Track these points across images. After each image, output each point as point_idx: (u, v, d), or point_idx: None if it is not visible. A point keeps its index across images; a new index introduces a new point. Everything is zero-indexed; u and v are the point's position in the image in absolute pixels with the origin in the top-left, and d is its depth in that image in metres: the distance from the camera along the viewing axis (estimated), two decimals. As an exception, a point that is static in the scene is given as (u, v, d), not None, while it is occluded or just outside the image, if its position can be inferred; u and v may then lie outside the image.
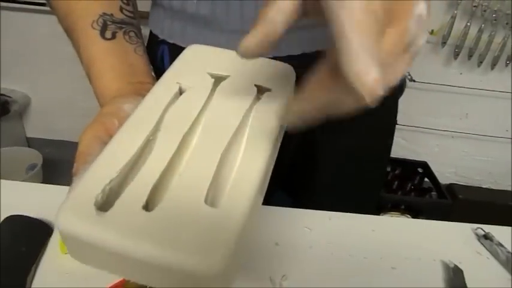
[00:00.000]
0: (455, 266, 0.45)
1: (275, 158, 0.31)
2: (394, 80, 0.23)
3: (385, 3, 0.20)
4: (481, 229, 0.52)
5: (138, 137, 0.27)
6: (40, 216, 0.45)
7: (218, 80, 0.33)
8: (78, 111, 1.61)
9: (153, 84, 0.37)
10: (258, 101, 0.32)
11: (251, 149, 0.28)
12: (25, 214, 0.43)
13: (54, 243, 0.42)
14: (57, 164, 1.56)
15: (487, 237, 0.50)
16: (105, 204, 0.24)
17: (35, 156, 1.59)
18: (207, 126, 0.29)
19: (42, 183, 1.55)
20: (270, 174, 0.29)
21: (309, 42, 0.48)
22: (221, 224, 0.23)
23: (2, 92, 1.64)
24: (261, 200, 0.29)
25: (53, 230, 0.44)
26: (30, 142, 1.82)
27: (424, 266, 0.46)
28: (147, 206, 0.24)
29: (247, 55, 0.25)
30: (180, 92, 0.32)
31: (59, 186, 0.50)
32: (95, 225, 0.22)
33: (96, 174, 0.25)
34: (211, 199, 0.25)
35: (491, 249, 0.49)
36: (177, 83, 0.32)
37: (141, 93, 0.34)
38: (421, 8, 0.22)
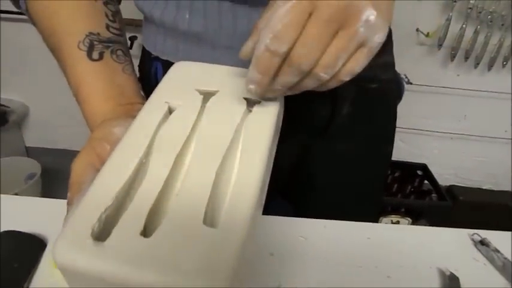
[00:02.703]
0: (451, 273, 0.45)
1: (271, 169, 0.31)
2: (355, 68, 0.31)
3: (337, 11, 0.27)
4: (478, 235, 0.51)
5: (131, 161, 0.27)
6: (33, 230, 0.44)
7: (207, 96, 0.33)
8: (76, 120, 1.61)
9: (142, 104, 0.37)
10: (248, 114, 0.32)
11: (246, 163, 0.28)
12: (18, 229, 0.43)
13: (47, 258, 0.42)
14: (56, 173, 1.55)
15: (483, 243, 0.50)
16: (102, 233, 0.24)
17: (33, 166, 1.58)
18: (200, 143, 0.29)
19: (41, 192, 1.56)
20: (267, 185, 0.29)
21: None
22: (221, 244, 0.23)
23: (0, 102, 1.64)
24: (260, 212, 0.29)
25: (46, 245, 0.44)
26: (29, 151, 1.82)
27: (420, 274, 0.46)
28: (145, 231, 0.24)
29: (247, 56, 0.32)
30: (170, 111, 0.32)
31: (52, 199, 0.50)
32: (92, 256, 0.22)
33: (90, 203, 0.24)
34: (209, 218, 0.25)
35: (488, 255, 0.49)
36: (166, 102, 0.31)
37: (131, 114, 0.34)
38: (367, 14, 0.28)
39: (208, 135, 0.29)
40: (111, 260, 0.22)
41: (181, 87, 0.33)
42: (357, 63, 0.31)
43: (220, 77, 0.34)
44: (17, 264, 0.40)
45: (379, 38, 0.30)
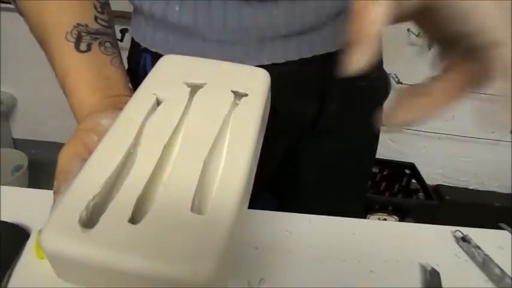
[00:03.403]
0: (433, 268, 0.46)
1: (257, 160, 0.31)
2: None
3: None
4: (459, 231, 0.52)
5: (119, 150, 0.27)
6: (16, 220, 0.44)
7: (194, 88, 0.33)
8: (65, 112, 1.59)
9: (130, 96, 0.36)
10: (236, 106, 0.32)
11: (233, 154, 0.28)
12: (1, 219, 0.43)
13: (30, 247, 0.41)
14: (43, 166, 1.54)
15: (465, 239, 0.51)
16: (89, 221, 0.24)
17: (20, 158, 1.57)
18: (187, 135, 0.29)
19: (27, 184, 1.54)
20: (253, 176, 0.30)
21: (292, 50, 0.48)
22: (209, 231, 0.23)
23: (-13, 93, 1.62)
24: (247, 202, 0.29)
25: (30, 235, 0.44)
26: (16, 143, 1.80)
27: (402, 268, 0.47)
28: (133, 219, 0.24)
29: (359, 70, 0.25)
30: (158, 103, 0.32)
31: (36, 190, 0.50)
32: (80, 243, 0.22)
33: (78, 191, 0.24)
34: (197, 207, 0.25)
35: (469, 252, 0.50)
36: (154, 94, 0.32)
37: (118, 106, 0.33)
38: None
39: (196, 126, 0.29)
40: (99, 246, 0.22)
41: (169, 80, 0.33)
42: None
43: (208, 70, 0.34)
44: (0, 253, 0.39)
45: None
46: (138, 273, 0.21)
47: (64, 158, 0.29)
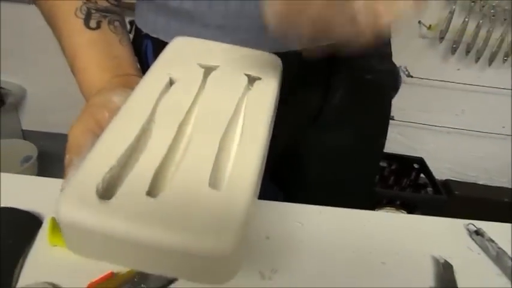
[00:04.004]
0: (445, 261, 0.45)
1: (269, 143, 0.31)
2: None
3: None
4: (473, 225, 0.52)
5: (134, 126, 0.27)
6: (30, 208, 0.44)
7: (208, 70, 0.33)
8: (74, 104, 1.59)
9: (139, 76, 0.36)
10: (249, 89, 0.32)
11: (248, 135, 0.28)
12: (14, 206, 0.43)
13: (43, 235, 0.42)
14: (52, 157, 1.55)
15: (478, 233, 0.50)
16: (106, 192, 0.23)
17: (30, 149, 1.58)
18: (202, 114, 0.29)
19: (36, 175, 1.55)
20: (265, 158, 0.30)
21: (294, 39, 0.47)
22: (228, 206, 0.23)
23: (-3, 84, 1.63)
24: (260, 184, 0.29)
25: (42, 222, 0.44)
26: (25, 134, 1.81)
27: (414, 261, 0.46)
28: (150, 193, 0.24)
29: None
30: (171, 82, 0.32)
31: (49, 178, 0.50)
32: (99, 213, 0.22)
33: (94, 164, 0.24)
34: (214, 182, 0.25)
35: (482, 245, 0.49)
36: (168, 73, 0.32)
37: (128, 85, 0.33)
38: None
39: (211, 106, 0.30)
40: (118, 217, 0.22)
41: (182, 61, 0.33)
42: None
43: (220, 53, 0.35)
44: (12, 240, 0.40)
45: None
46: (159, 244, 0.21)
47: (75, 133, 0.29)
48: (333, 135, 0.58)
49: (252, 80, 0.33)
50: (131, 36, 0.54)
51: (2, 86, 1.64)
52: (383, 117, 0.63)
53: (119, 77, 0.36)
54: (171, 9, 0.45)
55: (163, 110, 0.29)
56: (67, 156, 0.29)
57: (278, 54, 0.46)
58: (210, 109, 0.29)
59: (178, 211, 0.22)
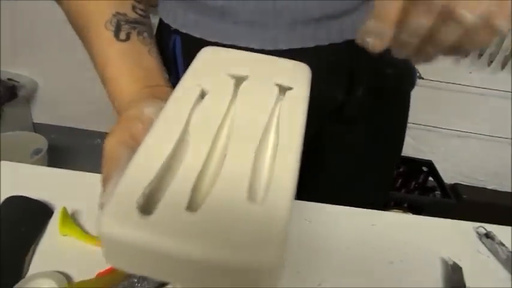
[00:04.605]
0: (454, 263, 0.45)
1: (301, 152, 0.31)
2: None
3: None
4: (483, 228, 0.51)
5: (169, 139, 0.27)
6: (41, 198, 0.45)
7: (239, 80, 0.33)
8: (85, 98, 1.62)
9: (168, 87, 0.37)
10: (281, 99, 0.32)
11: (283, 146, 0.28)
12: (27, 195, 0.44)
13: (54, 225, 0.42)
14: (62, 150, 1.56)
15: (488, 236, 0.50)
16: (145, 207, 0.24)
17: (40, 141, 1.59)
18: (236, 126, 0.29)
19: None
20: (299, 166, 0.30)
21: (323, 35, 0.47)
22: (268, 219, 0.23)
23: (9, 77, 1.64)
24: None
25: (53, 212, 0.44)
26: (36, 127, 1.83)
27: (423, 262, 0.46)
28: (190, 207, 0.24)
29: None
30: (202, 94, 0.32)
31: (60, 169, 0.51)
32: (141, 229, 0.22)
33: (133, 178, 0.24)
34: (250, 195, 0.25)
35: (492, 248, 0.49)
36: (198, 85, 0.32)
37: (158, 96, 0.34)
38: None
39: (243, 117, 0.30)
40: (160, 232, 0.22)
41: (211, 72, 0.33)
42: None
43: (249, 62, 0.35)
44: (24, 228, 0.40)
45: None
46: (201, 260, 0.21)
47: (111, 146, 0.30)
48: (355, 129, 0.58)
49: (282, 89, 0.33)
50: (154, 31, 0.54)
51: (15, 79, 1.66)
52: (403, 112, 0.63)
53: (149, 88, 0.36)
54: (202, 5, 0.46)
55: (197, 122, 0.29)
56: (104, 170, 0.29)
57: (306, 49, 0.46)
58: (243, 120, 0.30)
59: (219, 226, 0.22)
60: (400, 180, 1.64)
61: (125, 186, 0.24)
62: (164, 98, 0.31)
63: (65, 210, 0.43)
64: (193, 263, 0.22)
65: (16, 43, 1.62)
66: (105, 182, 0.28)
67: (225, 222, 0.23)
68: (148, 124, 0.29)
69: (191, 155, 0.27)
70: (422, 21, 0.26)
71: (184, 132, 0.28)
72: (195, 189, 0.25)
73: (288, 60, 0.36)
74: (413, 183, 1.65)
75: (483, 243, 0.50)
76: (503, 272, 0.46)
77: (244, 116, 0.30)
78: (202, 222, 0.22)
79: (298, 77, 0.34)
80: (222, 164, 0.27)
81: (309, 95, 0.33)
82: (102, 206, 0.27)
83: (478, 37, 0.27)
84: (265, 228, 0.22)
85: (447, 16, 0.26)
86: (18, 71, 1.69)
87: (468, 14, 0.25)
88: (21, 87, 1.65)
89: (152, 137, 0.27)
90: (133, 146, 0.28)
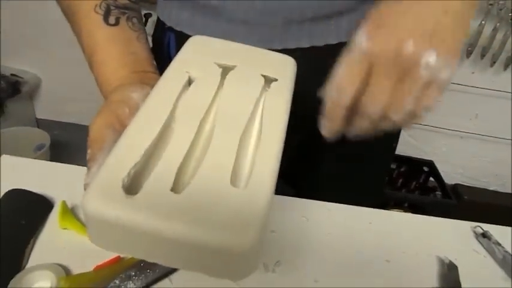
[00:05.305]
0: (450, 262, 0.45)
1: (284, 141, 0.32)
2: (429, 104, 0.32)
3: (394, 64, 0.30)
4: (480, 227, 0.51)
5: (156, 123, 0.28)
6: (42, 191, 0.45)
7: (226, 69, 0.33)
8: (88, 94, 1.61)
9: (155, 73, 0.37)
10: (266, 90, 0.33)
11: (266, 135, 0.29)
12: (27, 189, 0.44)
13: (54, 218, 0.43)
14: (64, 146, 1.57)
15: (485, 235, 0.50)
16: (131, 188, 0.24)
17: (43, 137, 1.60)
18: (222, 113, 0.30)
19: (49, 163, 1.58)
20: (280, 158, 0.30)
21: (318, 35, 0.47)
22: (249, 203, 0.24)
23: (13, 73, 1.65)
24: (276, 179, 0.30)
25: (53, 206, 0.45)
26: (39, 123, 1.84)
27: (419, 260, 0.46)
28: (174, 189, 0.24)
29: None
30: (189, 81, 0.32)
31: (61, 164, 0.51)
32: (126, 208, 0.22)
33: (119, 159, 0.25)
34: (233, 180, 0.26)
35: (489, 248, 0.49)
36: (186, 72, 0.32)
37: (146, 82, 0.34)
38: (426, 58, 0.29)
39: (229, 106, 0.30)
40: (144, 212, 0.22)
41: (199, 60, 0.34)
42: (429, 99, 0.32)
43: (237, 53, 0.35)
44: (25, 221, 0.41)
45: (446, 75, 0.31)
46: (183, 239, 0.22)
47: (97, 128, 0.30)
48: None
49: (268, 80, 0.33)
50: (151, 32, 0.55)
51: (18, 74, 1.67)
52: None
53: (136, 73, 0.36)
54: (196, 3, 0.46)
55: (183, 108, 0.30)
56: (89, 151, 0.29)
57: (301, 49, 0.46)
58: (229, 108, 0.30)
59: (202, 207, 0.23)
60: (400, 180, 1.64)
61: (110, 166, 0.24)
62: (152, 84, 0.32)
63: (64, 204, 0.43)
64: (175, 242, 0.22)
65: (19, 39, 1.62)
66: (90, 162, 0.28)
67: (208, 204, 0.23)
68: (134, 109, 0.30)
69: (177, 139, 0.27)
70: (365, 125, 0.34)
71: (171, 117, 0.29)
72: (180, 172, 0.26)
73: (275, 52, 0.36)
74: (414, 183, 1.65)
75: (480, 242, 0.50)
76: (499, 272, 0.47)
77: (230, 104, 0.31)
78: (186, 203, 0.23)
79: (283, 69, 0.35)
80: (207, 149, 0.27)
81: (293, 87, 0.34)
82: (86, 186, 0.27)
83: (406, 123, 0.34)
84: (245, 212, 0.23)
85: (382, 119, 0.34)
86: (22, 66, 1.70)
87: (397, 117, 0.32)
88: (24, 83, 1.66)
89: (139, 120, 0.28)
90: (119, 129, 0.28)
